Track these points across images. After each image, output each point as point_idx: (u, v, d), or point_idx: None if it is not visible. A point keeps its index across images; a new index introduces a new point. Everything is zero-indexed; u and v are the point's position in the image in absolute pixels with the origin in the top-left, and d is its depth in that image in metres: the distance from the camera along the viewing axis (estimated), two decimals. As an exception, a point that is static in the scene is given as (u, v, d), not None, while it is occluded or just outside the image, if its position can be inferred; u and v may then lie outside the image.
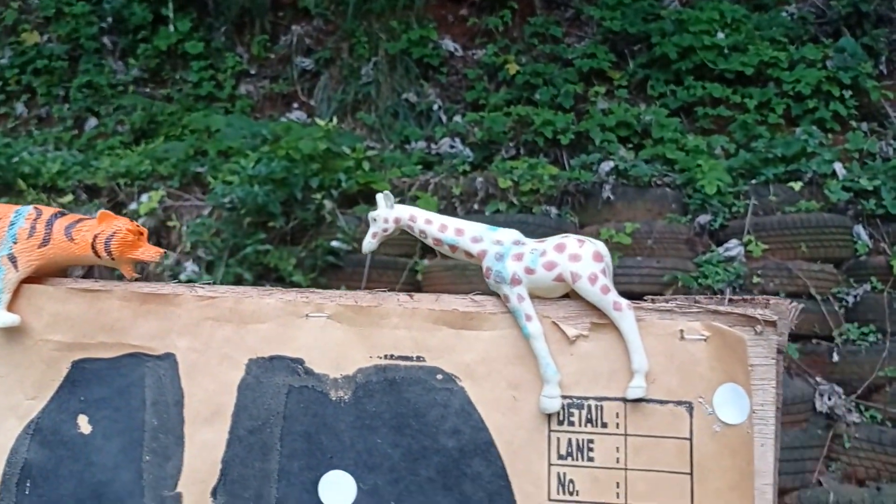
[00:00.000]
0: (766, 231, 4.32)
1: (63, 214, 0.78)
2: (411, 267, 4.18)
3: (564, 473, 0.73)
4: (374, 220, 0.81)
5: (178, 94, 5.49)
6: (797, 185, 4.43)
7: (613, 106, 5.26)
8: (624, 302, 0.73)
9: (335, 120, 5.07)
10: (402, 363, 0.76)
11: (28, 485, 0.74)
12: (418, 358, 0.76)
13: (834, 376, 4.26)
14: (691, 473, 0.71)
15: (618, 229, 4.28)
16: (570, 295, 0.76)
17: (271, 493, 0.74)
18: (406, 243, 4.14)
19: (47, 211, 0.77)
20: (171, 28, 5.68)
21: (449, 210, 4.33)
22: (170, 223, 4.45)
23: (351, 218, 4.35)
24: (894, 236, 4.37)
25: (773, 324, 0.71)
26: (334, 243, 4.31)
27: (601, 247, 0.77)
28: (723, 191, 4.42)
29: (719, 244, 4.38)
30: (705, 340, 0.72)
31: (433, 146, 5.33)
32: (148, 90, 5.59)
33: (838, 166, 4.52)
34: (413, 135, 5.31)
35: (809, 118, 5.01)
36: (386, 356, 0.76)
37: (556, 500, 0.73)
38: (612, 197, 4.63)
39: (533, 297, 0.75)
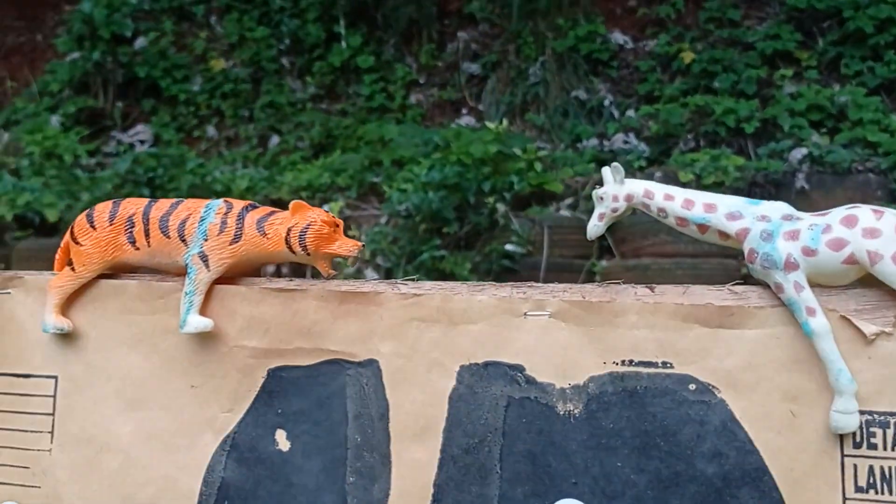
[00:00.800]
0: None
1: (254, 207, 0.70)
2: (588, 269, 4.03)
3: (866, 511, 0.56)
4: (601, 198, 0.68)
5: (352, 108, 5.65)
6: None
7: (803, 89, 4.89)
8: None
9: (504, 122, 5.03)
10: (645, 370, 0.62)
11: (227, 506, 0.67)
12: (665, 364, 0.62)
13: None
14: None
15: (816, 221, 3.96)
16: (864, 281, 0.59)
17: (492, 523, 0.63)
18: (582, 244, 3.99)
19: (238, 204, 0.70)
20: (344, 44, 5.86)
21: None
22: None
23: (524, 220, 4.27)
24: None
25: None
26: (508, 247, 4.25)
27: None
28: (934, 173, 3.98)
29: (938, 231, 3.94)
30: None
31: (606, 143, 5.18)
32: (324, 106, 5.79)
33: None
34: (584, 133, 5.18)
35: None
36: (624, 362, 0.62)
37: (856, 545, 0.56)
38: (806, 186, 4.33)
39: (813, 285, 0.59)
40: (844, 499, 0.57)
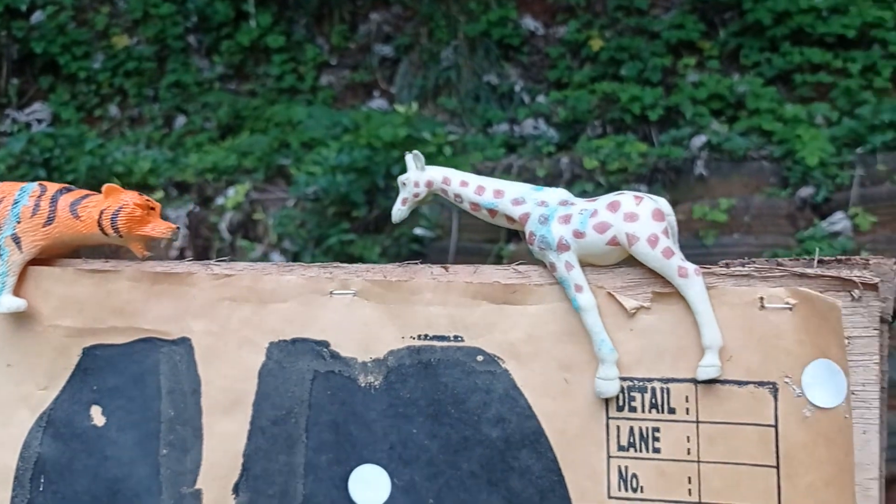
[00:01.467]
0: (874, 202, 4.05)
1: (69, 190, 0.72)
2: (497, 252, 4.11)
3: (626, 467, 0.63)
4: (404, 184, 0.72)
5: (262, 89, 5.57)
6: (908, 153, 4.14)
7: (704, 78, 5.05)
8: (691, 266, 0.62)
9: (416, 106, 5.04)
10: (438, 344, 0.67)
11: (42, 480, 0.69)
12: (456, 338, 0.67)
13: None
14: (777, 466, 0.59)
15: (712, 206, 4.11)
16: (630, 261, 0.65)
17: (297, 489, 0.67)
18: (490, 228, 4.06)
19: (52, 187, 0.72)
20: (253, 23, 5.76)
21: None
22: (256, 216, 4.52)
23: (434, 205, 4.31)
24: None
25: (874, 287, 0.59)
26: (418, 231, 4.28)
27: (663, 203, 0.66)
28: (825, 161, 4.18)
29: (822, 218, 4.13)
30: (791, 309, 0.60)
31: (516, 128, 5.25)
32: (232, 86, 5.69)
33: (952, 130, 4.21)
34: (495, 117, 5.23)
35: (920, 80, 4.66)
36: (420, 336, 0.67)
37: (617, 497, 0.63)
38: (705, 173, 4.48)
39: (585, 264, 0.65)
40: (609, 457, 0.63)
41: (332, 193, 4.23)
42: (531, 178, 4.81)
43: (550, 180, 4.76)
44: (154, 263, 0.71)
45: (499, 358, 0.66)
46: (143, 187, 4.54)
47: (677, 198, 4.31)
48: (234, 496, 0.67)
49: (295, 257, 4.16)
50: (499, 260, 3.98)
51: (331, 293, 0.69)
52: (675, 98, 4.83)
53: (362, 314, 0.68)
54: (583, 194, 4.58)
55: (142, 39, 5.68)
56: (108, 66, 5.53)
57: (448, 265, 0.68)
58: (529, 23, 5.66)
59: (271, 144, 4.91)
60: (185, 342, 0.69)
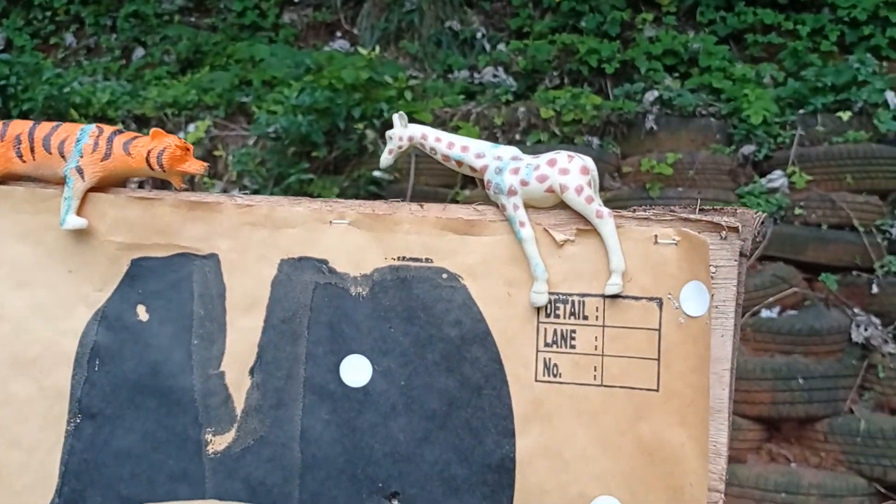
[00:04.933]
0: (811, 162, 4.26)
1: (121, 132, 0.90)
2: (452, 197, 4.26)
3: (550, 358, 0.84)
4: (391, 138, 0.92)
5: (223, 24, 5.56)
6: (846, 115, 4.33)
7: (661, 33, 5.16)
8: (605, 210, 0.83)
9: (378, 49, 5.10)
10: (413, 264, 0.87)
11: (97, 362, 0.88)
12: (427, 260, 0.87)
13: (872, 308, 4.26)
14: (658, 359, 0.82)
15: (659, 160, 4.27)
16: (561, 206, 0.86)
17: (300, 372, 0.87)
18: (446, 173, 4.21)
19: (108, 129, 0.90)
20: (216, -44, 5.70)
21: (490, 140, 4.37)
22: (216, 152, 4.58)
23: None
24: (943, 168, 4.30)
25: (735, 230, 0.81)
26: (376, 173, 4.38)
27: (588, 161, 0.86)
28: (769, 121, 4.35)
29: (762, 175, 4.34)
30: (676, 244, 0.82)
31: (476, 75, 5.30)
32: (193, 20, 5.68)
33: (890, 95, 4.40)
34: (456, 64, 5.31)
35: (864, 45, 4.84)
36: (399, 258, 0.87)
37: (542, 380, 0.84)
38: (655, 127, 4.59)
39: (527, 206, 0.86)
40: (537, 351, 0.85)
41: (292, 133, 4.29)
42: (489, 126, 4.94)
43: (508, 128, 4.89)
44: (189, 193, 0.90)
45: (459, 276, 0.86)
46: (101, 119, 4.57)
47: (627, 151, 4.50)
48: (250, 377, 0.88)
49: (254, 195, 4.26)
50: (455, 203, 4.16)
51: (330, 222, 0.88)
52: (632, 52, 4.96)
53: (354, 239, 0.88)
54: (538, 143, 4.71)
55: (101, -34, 5.62)
56: (65, -8, 5.48)
57: (423, 203, 0.88)
58: (493, -31, 5.72)
59: (232, 81, 4.92)
60: (213, 257, 0.89)
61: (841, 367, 3.80)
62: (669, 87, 4.79)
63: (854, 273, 4.28)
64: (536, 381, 0.84)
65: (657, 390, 0.81)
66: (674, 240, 0.82)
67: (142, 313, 0.89)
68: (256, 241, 0.89)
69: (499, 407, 0.85)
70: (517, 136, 4.74)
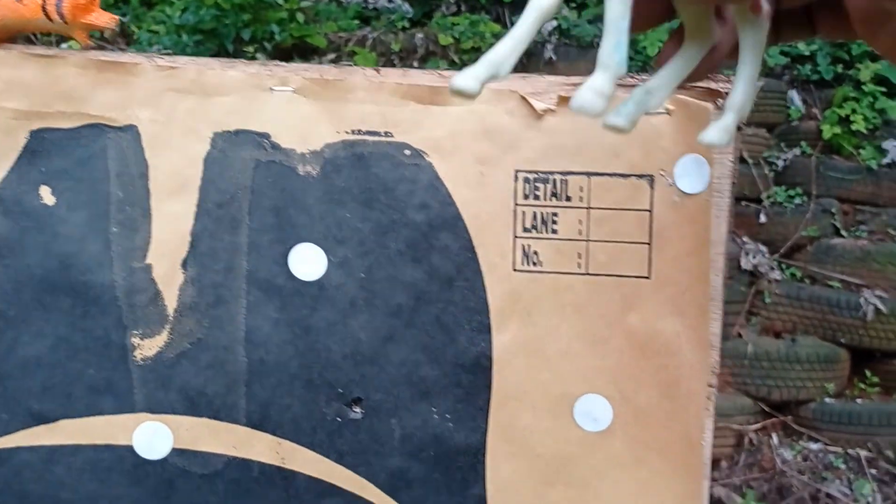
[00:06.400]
0: (702, 95, 4.36)
1: (10, -26, 0.73)
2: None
3: (529, 245, 0.75)
4: None
5: (96, -66, 5.11)
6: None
7: (559, -38, 5.14)
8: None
9: (267, -32, 4.82)
10: (370, 139, 0.75)
11: (-9, 255, 0.73)
12: (386, 133, 0.75)
13: (760, 236, 4.46)
14: (650, 243, 0.74)
15: (558, 89, 4.27)
16: (539, 72, 0.76)
17: (242, 265, 0.75)
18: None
19: (-7, -31, 0.72)
20: None
21: (388, 66, 4.24)
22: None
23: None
24: (826, 102, 4.50)
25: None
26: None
27: None
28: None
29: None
30: (669, 114, 0.74)
31: (370, 0, 5.17)
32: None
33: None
34: (350, -13, 5.11)
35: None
36: (353, 131, 0.75)
37: (520, 270, 0.75)
38: (553, 57, 4.66)
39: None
40: (515, 237, 0.75)
41: (176, 55, 4.04)
42: (386, 52, 4.81)
43: (406, 55, 4.78)
44: (99, 52, 0.74)
45: (423, 152, 0.75)
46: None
47: (525, 80, 4.47)
48: (182, 271, 0.74)
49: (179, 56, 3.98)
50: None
51: (271, 89, 0.75)
52: (528, -19, 4.90)
53: (300, 109, 0.75)
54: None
55: None
56: None
57: (380, 68, 0.76)
58: None
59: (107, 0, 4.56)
60: (131, 129, 0.74)
61: (730, 293, 3.97)
62: (567, 18, 4.80)
63: (743, 203, 4.44)
64: (514, 270, 0.75)
65: (648, 277, 0.74)
66: (667, 109, 0.74)
67: (46, 196, 0.73)
68: (183, 111, 0.74)
69: (472, 300, 0.75)
70: (415, 64, 4.66)
